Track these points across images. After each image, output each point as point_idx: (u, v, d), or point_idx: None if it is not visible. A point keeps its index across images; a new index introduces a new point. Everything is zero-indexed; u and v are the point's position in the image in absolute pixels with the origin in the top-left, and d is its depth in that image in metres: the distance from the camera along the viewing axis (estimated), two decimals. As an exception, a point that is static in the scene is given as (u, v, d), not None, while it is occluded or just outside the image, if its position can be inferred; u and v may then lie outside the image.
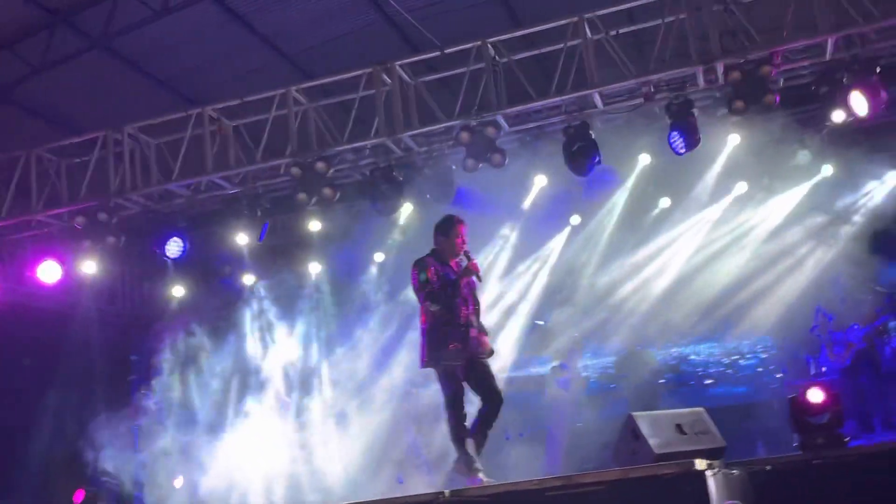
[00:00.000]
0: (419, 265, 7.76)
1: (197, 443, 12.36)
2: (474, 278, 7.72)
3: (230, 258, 12.42)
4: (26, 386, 12.14)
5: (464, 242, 7.79)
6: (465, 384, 7.68)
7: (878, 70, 9.01)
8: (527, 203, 12.22)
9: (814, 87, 10.04)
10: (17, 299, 11.94)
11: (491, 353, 7.88)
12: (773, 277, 12.45)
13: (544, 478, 6.92)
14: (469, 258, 7.69)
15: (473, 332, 7.69)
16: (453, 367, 7.59)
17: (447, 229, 7.85)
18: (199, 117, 10.67)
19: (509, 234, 12.69)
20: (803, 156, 11.42)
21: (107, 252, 11.28)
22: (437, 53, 10.04)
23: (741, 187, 12.38)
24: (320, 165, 10.12)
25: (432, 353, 7.62)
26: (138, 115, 11.08)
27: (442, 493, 6.25)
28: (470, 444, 7.54)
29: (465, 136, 9.73)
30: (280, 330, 13.42)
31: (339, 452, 12.05)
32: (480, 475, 7.36)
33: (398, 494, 8.38)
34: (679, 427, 7.75)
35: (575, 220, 13.12)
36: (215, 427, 12.52)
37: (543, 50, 10.07)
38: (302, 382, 13.18)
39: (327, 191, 10.20)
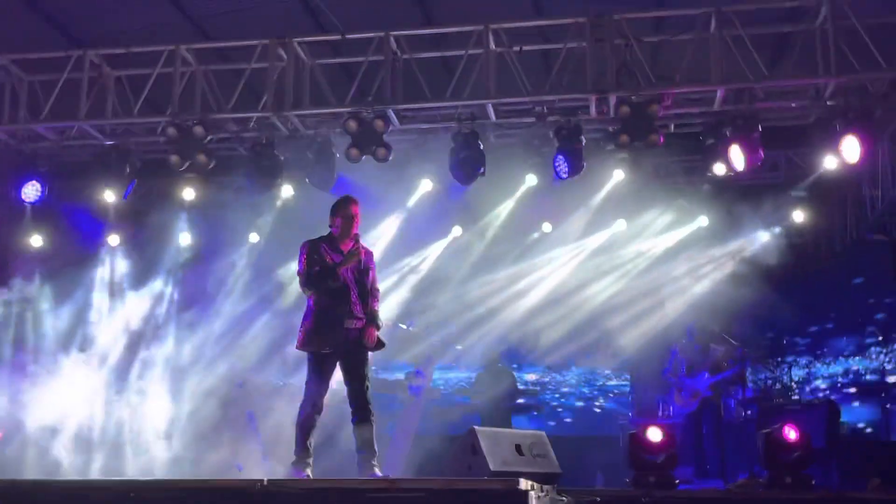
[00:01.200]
0: (302, 247, 7.48)
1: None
2: (359, 264, 7.40)
3: (93, 213, 11.78)
4: None
5: (354, 223, 7.44)
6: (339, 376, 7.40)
7: (759, 128, 9.27)
8: (409, 203, 12.09)
9: (701, 137, 10.33)
10: None
11: (377, 346, 7.47)
12: (637, 314, 12.69)
13: (368, 478, 6.75)
14: (356, 242, 7.43)
15: (353, 323, 7.33)
16: (320, 356, 7.31)
17: (338, 209, 7.49)
18: (79, 60, 10.17)
19: (385, 233, 12.49)
20: (679, 206, 11.82)
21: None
22: (339, 37, 9.80)
23: (619, 224, 12.58)
24: (198, 130, 9.76)
25: (304, 336, 7.33)
26: (16, 47, 10.45)
27: (261, 480, 6.00)
28: (310, 438, 7.26)
29: (352, 124, 9.56)
30: (131, 295, 12.84)
31: (166, 424, 11.59)
32: (307, 471, 7.11)
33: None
34: (518, 447, 7.73)
35: (456, 230, 13.05)
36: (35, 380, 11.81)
37: (446, 53, 10.00)
38: (138, 348, 12.63)
39: (202, 157, 9.84)
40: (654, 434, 8.49)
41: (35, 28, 11.08)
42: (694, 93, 9.48)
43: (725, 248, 12.52)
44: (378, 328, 7.44)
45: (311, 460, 7.21)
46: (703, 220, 12.23)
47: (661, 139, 9.15)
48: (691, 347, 11.18)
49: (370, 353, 7.52)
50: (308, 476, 7.03)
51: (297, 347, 7.46)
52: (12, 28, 10.94)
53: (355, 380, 7.37)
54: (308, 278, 7.33)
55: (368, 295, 7.45)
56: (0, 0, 10.66)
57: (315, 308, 7.33)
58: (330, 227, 7.51)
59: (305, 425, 7.28)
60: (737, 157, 9.25)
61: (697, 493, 8.79)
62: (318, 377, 7.30)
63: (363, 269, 7.45)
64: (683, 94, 9.54)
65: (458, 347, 13.63)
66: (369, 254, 7.62)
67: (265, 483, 5.99)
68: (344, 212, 7.44)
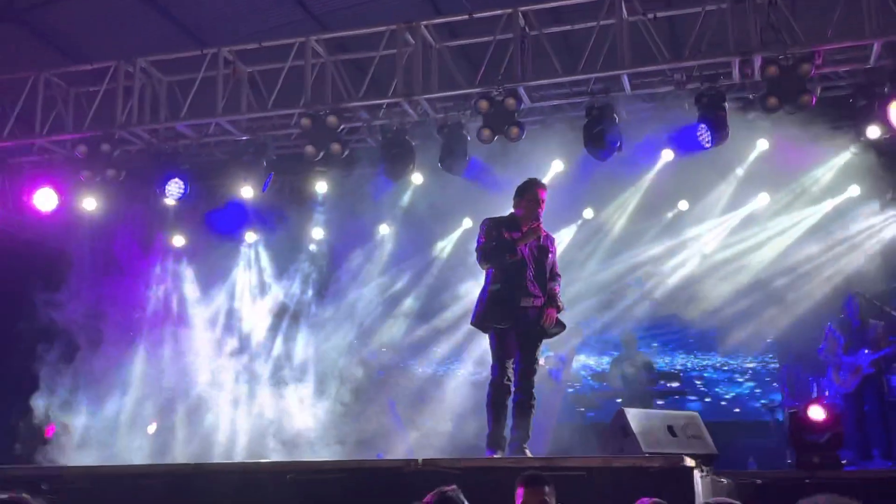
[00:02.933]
0: (483, 223, 7.63)
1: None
2: (537, 243, 7.42)
3: (232, 208, 12.04)
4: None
5: (539, 207, 7.46)
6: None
7: (922, 83, 8.64)
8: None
9: (852, 99, 9.72)
10: (9, 227, 11.68)
11: (556, 326, 7.50)
12: (783, 291, 12.07)
13: (521, 456, 6.58)
14: (536, 221, 7.36)
15: (530, 301, 7.33)
16: (500, 331, 7.26)
17: (524, 191, 7.60)
18: (213, 58, 10.38)
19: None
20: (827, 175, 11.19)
21: (106, 187, 10.99)
22: (465, 17, 9.67)
23: (762, 198, 12.00)
24: (332, 119, 9.80)
25: (481, 312, 7.42)
26: (151, 51, 10.79)
27: (415, 460, 5.92)
28: (500, 417, 7.21)
29: (484, 104, 9.40)
30: (272, 288, 13.10)
31: (313, 414, 11.73)
32: (498, 451, 7.04)
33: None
34: (671, 429, 7.42)
35: (587, 213, 12.74)
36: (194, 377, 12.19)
37: (576, 26, 9.71)
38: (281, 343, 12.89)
39: (336, 146, 9.87)
40: (817, 412, 8.06)
41: (168, 34, 11.45)
42: (845, 49, 8.89)
43: (880, 216, 11.74)
44: (559, 310, 7.41)
45: (504, 441, 7.13)
46: (854, 189, 11.52)
47: (814, 100, 8.61)
48: (849, 324, 10.54)
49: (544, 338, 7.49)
50: (496, 455, 6.96)
51: (472, 323, 7.55)
52: (148, 34, 11.33)
53: (526, 360, 7.37)
54: (485, 252, 7.42)
55: (546, 276, 7.36)
56: (135, 9, 11.09)
57: (491, 283, 7.39)
58: (514, 207, 7.60)
59: (494, 405, 7.25)
60: (897, 115, 8.63)
61: (867, 474, 8.28)
62: (502, 354, 7.26)
63: (542, 249, 7.43)
64: (832, 53, 8.98)
65: (594, 332, 13.34)
66: (550, 238, 7.66)
67: (419, 463, 5.91)
68: (531, 194, 7.51)
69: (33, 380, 11.37)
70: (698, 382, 13.78)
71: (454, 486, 4.56)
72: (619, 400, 12.23)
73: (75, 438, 11.18)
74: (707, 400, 13.63)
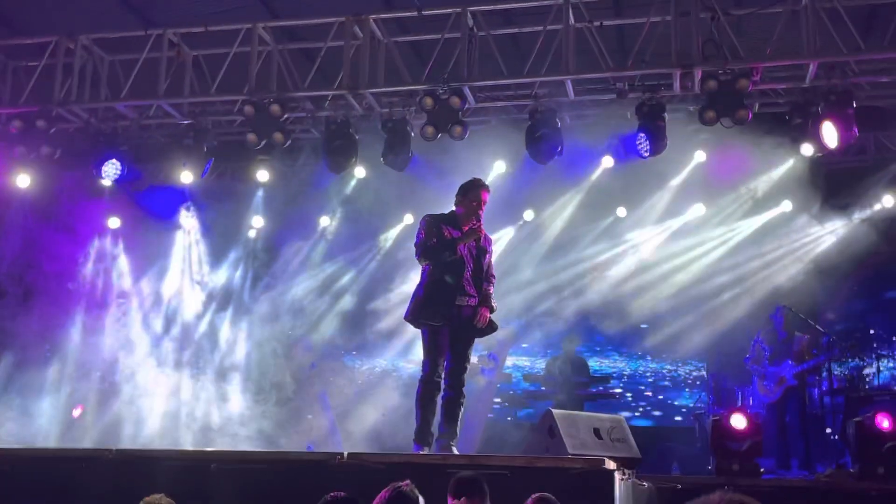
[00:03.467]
0: (423, 219, 7.61)
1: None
2: (481, 248, 7.45)
3: (170, 192, 11.88)
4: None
5: (480, 208, 7.48)
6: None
7: (853, 104, 8.89)
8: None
9: (788, 116, 9.97)
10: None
11: (488, 327, 7.51)
12: (713, 300, 12.33)
13: (447, 454, 6.63)
14: (477, 222, 7.40)
15: (465, 300, 7.36)
16: (433, 328, 7.29)
17: (466, 191, 7.58)
18: (158, 39, 10.23)
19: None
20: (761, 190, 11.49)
21: (41, 164, 10.76)
22: (415, 14, 9.67)
23: (698, 208, 12.24)
24: (275, 108, 9.74)
25: (415, 308, 7.40)
26: (96, 27, 10.57)
27: (340, 453, 5.92)
28: (429, 413, 7.24)
29: (428, 101, 9.43)
30: (207, 273, 12.97)
31: (240, 403, 11.67)
32: (425, 447, 7.06)
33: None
34: (596, 431, 7.52)
35: (528, 214, 12.86)
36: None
37: (523, 29, 9.80)
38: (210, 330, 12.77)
39: (278, 135, 9.81)
40: (738, 421, 8.22)
41: (113, 10, 11.21)
42: (783, 67, 9.12)
43: (810, 233, 12.07)
44: (491, 310, 7.46)
45: (431, 438, 7.16)
46: (786, 205, 11.82)
47: (750, 115, 8.81)
48: (775, 335, 10.80)
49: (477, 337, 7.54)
50: (422, 451, 6.97)
51: (405, 318, 7.56)
52: (92, 10, 11.08)
53: (457, 358, 7.40)
54: (425, 249, 7.40)
55: (483, 276, 7.43)
56: (79, -17, 10.85)
57: (428, 280, 7.40)
58: (455, 205, 7.60)
59: (423, 400, 7.27)
60: (829, 134, 8.87)
61: (783, 482, 8.50)
62: (434, 351, 7.29)
63: (480, 250, 7.46)
64: (770, 70, 9.20)
65: (529, 333, 13.47)
66: (488, 239, 7.70)
67: (344, 457, 5.91)
68: (473, 194, 7.51)
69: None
70: (629, 387, 13.98)
71: (408, 482, 4.53)
72: (551, 402, 12.36)
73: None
74: (636, 404, 13.84)
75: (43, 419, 11.19)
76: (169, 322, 12.56)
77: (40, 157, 10.48)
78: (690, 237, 12.58)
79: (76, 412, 11.64)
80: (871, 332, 12.06)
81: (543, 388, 13.03)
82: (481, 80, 9.63)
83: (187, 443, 11.16)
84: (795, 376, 10.49)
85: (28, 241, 11.82)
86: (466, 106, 9.68)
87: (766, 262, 12.37)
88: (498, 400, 12.90)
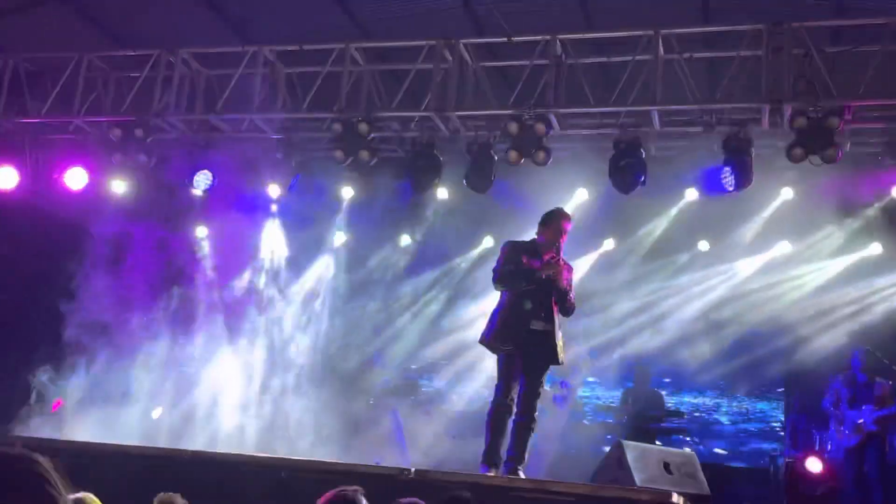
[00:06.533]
0: (504, 245, 7.75)
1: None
2: (553, 277, 7.46)
3: (257, 204, 12.20)
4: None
5: (562, 237, 7.57)
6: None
7: (951, 147, 8.67)
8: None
9: (880, 157, 9.78)
10: (38, 202, 11.85)
11: (556, 361, 7.56)
12: (795, 341, 12.09)
13: (513, 477, 6.65)
14: (557, 254, 7.45)
15: (540, 325, 7.43)
16: (507, 354, 7.36)
17: (549, 220, 7.73)
18: (254, 55, 10.55)
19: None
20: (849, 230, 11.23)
21: (137, 171, 11.19)
22: (504, 40, 9.79)
23: (783, 246, 12.04)
24: (363, 126, 9.93)
25: (489, 333, 7.53)
26: (194, 41, 10.99)
27: (408, 469, 6.00)
28: (498, 436, 7.29)
29: (513, 126, 9.49)
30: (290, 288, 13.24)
31: (311, 415, 11.84)
32: (492, 469, 7.10)
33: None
34: (666, 465, 7.46)
35: (608, 243, 12.82)
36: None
37: (613, 59, 9.80)
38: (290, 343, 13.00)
39: (364, 153, 10.00)
40: (814, 464, 8.10)
41: (213, 26, 11.63)
42: (876, 107, 8.94)
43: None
44: (561, 345, 7.50)
45: (499, 460, 7.21)
46: (875, 247, 11.53)
47: (840, 155, 8.65)
48: (854, 378, 10.51)
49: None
50: (489, 472, 7.03)
51: (480, 341, 7.66)
52: (192, 25, 11.52)
53: (530, 383, 7.46)
54: (502, 275, 7.50)
55: (555, 308, 7.44)
56: (179, -1, 11.28)
57: (504, 306, 7.53)
58: (537, 234, 7.69)
59: (493, 424, 7.34)
60: (920, 177, 8.67)
61: (859, 532, 8.28)
62: (507, 375, 7.37)
63: (558, 280, 7.44)
64: (864, 110, 9.04)
65: (604, 363, 13.38)
66: (569, 267, 7.69)
67: (412, 473, 5.98)
68: (556, 224, 7.63)
69: (48, 351, 11.55)
70: (703, 424, 13.75)
71: (357, 488, 4.59)
72: (621, 434, 12.24)
73: (78, 413, 11.32)
74: (709, 442, 13.59)
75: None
76: (252, 330, 12.83)
77: (138, 165, 10.89)
78: (775, 274, 12.37)
79: (156, 413, 11.98)
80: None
81: (615, 419, 12.92)
82: (567, 107, 9.67)
83: (255, 447, 11.39)
84: (875, 422, 10.18)
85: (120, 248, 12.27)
86: (551, 132, 9.71)
87: (851, 304, 12.09)
88: (567, 429, 12.80)
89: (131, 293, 11.98)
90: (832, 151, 8.58)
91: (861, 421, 10.18)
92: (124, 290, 11.89)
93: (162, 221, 12.54)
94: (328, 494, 4.66)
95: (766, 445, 13.25)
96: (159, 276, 12.45)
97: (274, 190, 11.39)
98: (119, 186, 11.40)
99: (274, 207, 12.45)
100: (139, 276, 12.06)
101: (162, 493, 5.11)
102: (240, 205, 12.12)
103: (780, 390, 12.73)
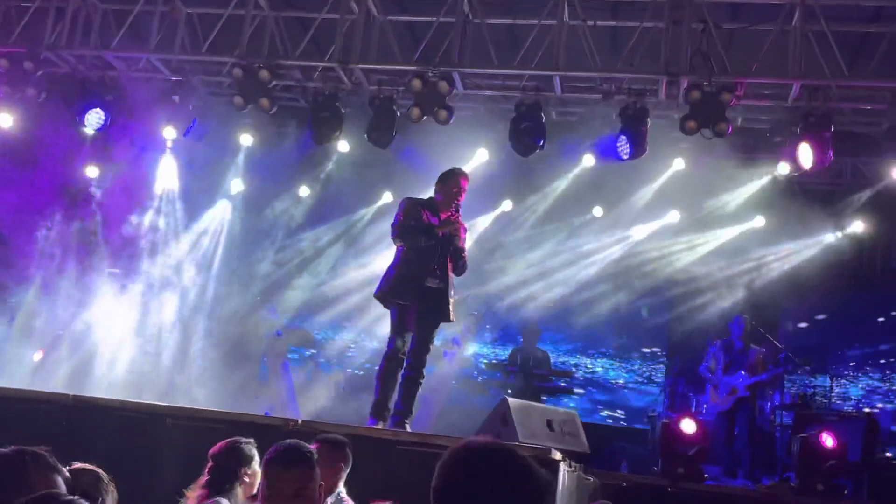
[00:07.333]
0: (402, 201, 7.71)
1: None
2: (451, 234, 7.47)
3: (151, 146, 11.86)
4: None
5: (459, 196, 7.57)
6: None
7: (832, 128, 9.06)
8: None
9: (768, 133, 10.15)
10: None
11: (447, 319, 7.60)
12: (678, 306, 12.55)
13: (399, 430, 6.75)
14: (456, 212, 7.48)
15: (435, 282, 7.46)
16: (402, 307, 7.40)
17: (446, 178, 7.67)
18: (153, -8, 10.19)
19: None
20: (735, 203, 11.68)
21: (25, 106, 10.72)
22: (413, -6, 9.74)
23: (673, 215, 12.42)
24: (264, 73, 9.75)
25: (386, 287, 7.51)
26: (93, -25, 10.53)
27: (295, 420, 6.02)
28: (388, 389, 7.34)
29: (417, 83, 9.48)
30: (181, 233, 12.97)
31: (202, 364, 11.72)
32: (380, 422, 7.17)
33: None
34: (549, 423, 7.65)
35: (506, 204, 12.98)
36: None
37: (518, 21, 9.86)
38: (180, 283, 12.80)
39: (264, 100, 9.83)
40: (688, 426, 8.39)
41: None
42: (767, 85, 9.27)
43: (778, 250, 12.29)
44: (451, 301, 7.58)
45: (387, 413, 7.27)
46: (759, 220, 12.02)
47: (730, 128, 8.95)
48: (732, 345, 10.98)
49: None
50: (377, 425, 7.09)
51: (375, 295, 7.66)
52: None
53: (421, 338, 7.49)
54: (402, 230, 7.48)
55: (449, 265, 7.53)
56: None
57: (400, 261, 7.52)
58: (435, 192, 7.69)
59: (384, 375, 7.38)
60: (805, 155, 9.05)
61: (725, 489, 8.69)
62: (400, 329, 7.41)
63: (454, 236, 7.49)
64: (756, 87, 9.36)
65: (493, 321, 13.62)
66: (463, 227, 7.75)
67: (299, 423, 6.01)
68: (453, 182, 7.61)
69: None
70: (588, 384, 14.15)
71: (252, 440, 4.64)
72: (509, 391, 12.50)
73: None
74: (593, 402, 14.02)
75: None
76: (140, 275, 12.53)
77: (25, 99, 10.43)
78: (662, 241, 12.77)
79: (37, 356, 11.63)
80: (829, 351, 12.34)
81: (502, 376, 13.17)
82: (471, 66, 9.70)
83: (148, 397, 11.21)
84: (748, 388, 10.66)
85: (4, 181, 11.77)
86: (454, 91, 9.73)
87: (733, 273, 12.59)
88: (456, 384, 13.02)
89: (16, 233, 11.54)
90: (723, 125, 8.86)
91: (734, 386, 10.67)
92: (8, 229, 11.46)
93: (50, 159, 12.05)
94: (221, 443, 4.67)
95: (647, 407, 13.73)
96: (46, 216, 12.02)
97: (169, 132, 11.06)
98: (4, 120, 10.92)
99: (169, 147, 12.07)
100: (23, 218, 11.61)
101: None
102: (134, 146, 11.75)
103: (662, 352, 13.18)
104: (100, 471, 3.64)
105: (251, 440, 4.62)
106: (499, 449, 2.46)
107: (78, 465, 3.46)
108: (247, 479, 4.60)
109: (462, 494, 2.39)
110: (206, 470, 4.57)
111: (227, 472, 4.53)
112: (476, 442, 2.50)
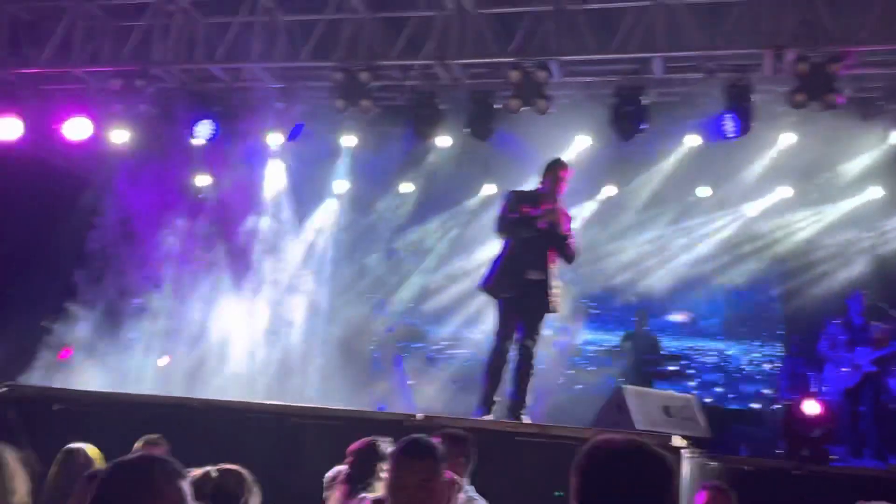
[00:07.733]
0: (506, 194, 7.88)
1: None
2: (551, 226, 7.53)
3: (257, 153, 12.21)
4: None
5: (561, 187, 7.63)
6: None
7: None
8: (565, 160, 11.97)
9: (881, 103, 9.77)
10: (40, 153, 11.83)
11: (550, 310, 7.65)
12: (794, 285, 12.21)
13: (519, 422, 6.80)
14: (555, 202, 7.51)
15: (536, 275, 7.50)
16: (506, 300, 7.47)
17: (550, 170, 7.80)
18: (253, 3, 10.45)
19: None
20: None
21: (138, 121, 11.18)
22: (506, -14, 9.71)
23: (784, 191, 12.09)
24: (364, 75, 9.91)
25: (490, 280, 7.65)
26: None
27: (414, 415, 6.13)
28: (495, 381, 7.44)
29: (514, 74, 9.47)
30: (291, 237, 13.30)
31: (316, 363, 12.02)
32: (487, 414, 7.26)
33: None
34: (666, 409, 7.60)
35: (610, 189, 12.85)
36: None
37: (612, 5, 9.73)
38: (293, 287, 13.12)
39: (365, 102, 9.99)
40: (811, 407, 8.24)
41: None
42: (878, 52, 8.91)
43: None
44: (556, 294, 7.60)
45: (493, 405, 7.37)
46: (876, 192, 11.58)
47: (841, 100, 8.65)
48: (851, 321, 10.61)
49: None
50: (487, 418, 7.18)
51: (479, 287, 7.82)
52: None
53: (528, 329, 7.54)
54: (503, 223, 7.57)
55: (562, 252, 7.54)
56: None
57: (505, 253, 7.60)
58: (539, 183, 7.73)
59: (491, 369, 7.48)
60: (920, 123, 8.68)
61: (854, 470, 8.45)
62: (505, 321, 7.50)
63: (557, 228, 7.53)
64: (864, 54, 9.01)
65: (603, 308, 13.52)
66: (568, 216, 7.73)
67: (419, 418, 6.11)
68: (554, 173, 7.72)
69: (56, 301, 11.65)
70: (701, 368, 13.91)
71: (390, 439, 4.71)
72: (622, 379, 12.42)
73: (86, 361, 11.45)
74: (705, 384, 13.78)
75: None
76: (257, 276, 12.91)
77: (139, 115, 10.88)
78: (775, 220, 12.45)
79: (162, 361, 12.12)
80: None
81: (614, 363, 13.08)
82: (568, 54, 9.63)
83: (264, 394, 11.56)
84: (872, 363, 10.30)
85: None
86: (552, 79, 9.69)
87: (852, 247, 12.17)
88: (570, 372, 12.99)
89: (135, 245, 12.04)
90: (832, 97, 8.58)
91: (858, 363, 10.31)
92: (128, 243, 11.96)
93: (164, 171, 12.52)
94: (360, 441, 4.77)
95: (762, 388, 13.43)
96: (163, 228, 12.51)
97: (275, 138, 11.37)
98: (120, 136, 11.39)
99: (275, 152, 12.40)
100: (143, 228, 12.11)
101: (147, 435, 5.21)
102: (241, 154, 12.11)
103: (779, 333, 12.85)
104: (244, 471, 3.80)
105: (388, 438, 4.72)
106: (636, 447, 2.50)
107: (223, 465, 3.62)
108: (383, 476, 4.70)
109: (603, 494, 2.46)
110: (347, 466, 4.69)
111: (367, 468, 4.64)
112: (614, 441, 2.55)
